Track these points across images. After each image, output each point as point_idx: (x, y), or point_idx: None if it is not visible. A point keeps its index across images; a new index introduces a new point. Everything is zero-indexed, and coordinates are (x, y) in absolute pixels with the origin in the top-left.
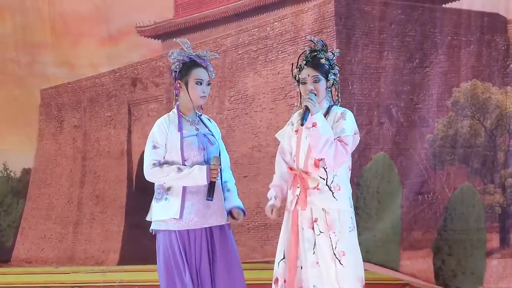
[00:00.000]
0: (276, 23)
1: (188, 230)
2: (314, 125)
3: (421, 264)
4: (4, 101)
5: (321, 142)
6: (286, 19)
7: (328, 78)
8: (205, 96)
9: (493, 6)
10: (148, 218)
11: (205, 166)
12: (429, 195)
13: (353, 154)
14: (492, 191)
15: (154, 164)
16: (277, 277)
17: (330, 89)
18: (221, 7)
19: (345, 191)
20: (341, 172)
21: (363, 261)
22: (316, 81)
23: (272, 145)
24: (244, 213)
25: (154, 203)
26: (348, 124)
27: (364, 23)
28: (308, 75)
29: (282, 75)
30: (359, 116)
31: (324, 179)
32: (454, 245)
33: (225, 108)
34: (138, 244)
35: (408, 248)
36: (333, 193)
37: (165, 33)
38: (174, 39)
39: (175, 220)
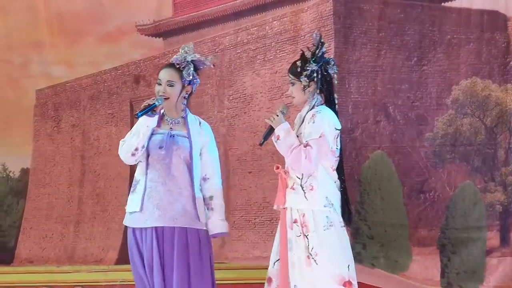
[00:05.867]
0: (275, 22)
1: (140, 228)
2: (278, 138)
3: (430, 261)
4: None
5: (285, 152)
6: (285, 18)
7: (300, 80)
8: (162, 96)
9: (493, 4)
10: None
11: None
12: (431, 194)
13: (350, 153)
14: (492, 189)
15: (122, 140)
16: (270, 277)
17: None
18: (220, 6)
19: (319, 191)
20: (317, 172)
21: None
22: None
23: (271, 143)
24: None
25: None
26: (315, 127)
27: (363, 22)
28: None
29: (279, 74)
30: (355, 114)
31: (299, 178)
32: (457, 243)
33: (224, 106)
34: None
35: (416, 245)
36: (304, 193)
37: (165, 32)
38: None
39: (130, 216)
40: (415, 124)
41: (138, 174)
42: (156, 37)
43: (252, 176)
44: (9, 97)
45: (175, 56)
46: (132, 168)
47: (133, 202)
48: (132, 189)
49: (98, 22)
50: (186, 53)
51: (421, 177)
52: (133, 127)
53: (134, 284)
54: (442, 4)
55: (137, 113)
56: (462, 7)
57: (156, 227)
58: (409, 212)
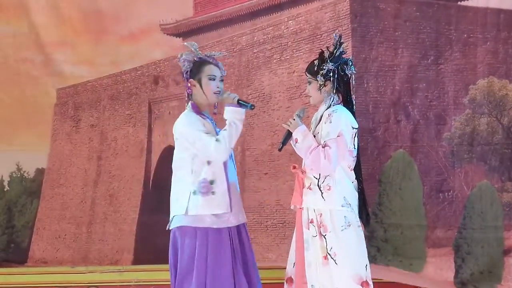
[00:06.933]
0: (290, 22)
1: (221, 228)
2: (296, 141)
3: (444, 262)
4: (17, 101)
5: (304, 155)
6: (300, 18)
7: (317, 79)
8: (219, 92)
9: (509, 3)
10: (180, 213)
11: (227, 107)
12: (449, 193)
13: (372, 152)
14: (510, 189)
15: (217, 141)
16: (290, 277)
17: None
18: (237, 5)
19: (337, 191)
20: (334, 172)
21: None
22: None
23: (290, 144)
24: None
25: (197, 197)
26: (332, 127)
27: (379, 21)
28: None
29: (297, 74)
30: (375, 113)
31: (317, 178)
32: (473, 243)
33: None
34: (152, 244)
35: (432, 246)
36: (322, 193)
37: (186, 31)
38: (185, 43)
39: (217, 218)
40: (433, 123)
41: (209, 174)
42: (176, 37)
43: (268, 178)
44: (28, 95)
45: (197, 53)
46: (147, 170)
47: (217, 204)
48: (204, 190)
49: (120, 22)
50: (197, 52)
51: (440, 177)
52: (228, 124)
53: (148, 284)
54: (458, 2)
55: (250, 105)
56: (478, 6)
57: (239, 224)
58: (428, 212)
